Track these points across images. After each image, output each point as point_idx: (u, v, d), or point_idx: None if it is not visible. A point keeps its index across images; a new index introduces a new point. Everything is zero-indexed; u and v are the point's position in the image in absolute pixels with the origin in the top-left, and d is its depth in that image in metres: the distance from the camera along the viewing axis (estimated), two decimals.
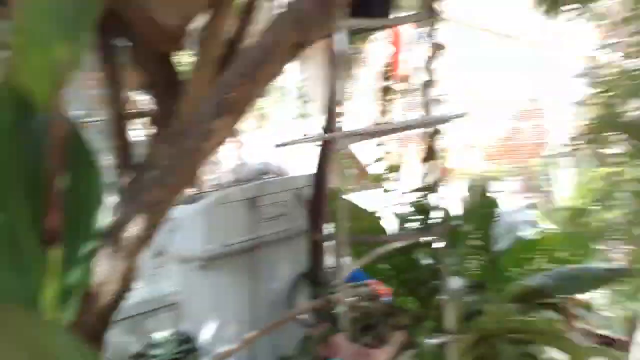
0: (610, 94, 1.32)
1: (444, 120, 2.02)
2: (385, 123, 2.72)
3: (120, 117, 1.86)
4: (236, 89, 1.28)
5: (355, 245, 2.44)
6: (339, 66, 1.99)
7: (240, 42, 1.97)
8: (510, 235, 2.33)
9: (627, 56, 1.34)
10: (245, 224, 2.85)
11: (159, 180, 1.29)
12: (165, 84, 1.86)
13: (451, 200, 2.41)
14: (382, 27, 2.58)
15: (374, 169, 2.95)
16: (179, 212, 2.28)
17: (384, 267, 2.40)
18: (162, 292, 2.90)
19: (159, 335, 2.56)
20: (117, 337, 2.45)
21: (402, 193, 2.47)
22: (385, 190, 2.56)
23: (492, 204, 2.18)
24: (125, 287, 1.30)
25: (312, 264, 2.83)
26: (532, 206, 5.26)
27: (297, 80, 3.19)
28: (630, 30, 1.23)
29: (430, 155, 2.15)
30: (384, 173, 2.75)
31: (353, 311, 2.26)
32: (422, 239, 2.24)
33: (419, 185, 2.29)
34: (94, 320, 1.21)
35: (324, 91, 2.65)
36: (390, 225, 2.49)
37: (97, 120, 2.14)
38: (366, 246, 2.32)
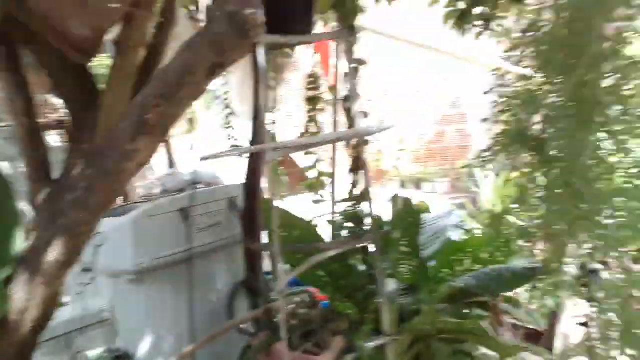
0: (515, 108, 1.38)
1: (370, 132, 2.05)
2: (312, 135, 2.71)
3: (32, 127, 1.71)
4: (155, 110, 1.22)
5: (292, 253, 2.42)
6: (262, 80, 1.97)
7: (160, 54, 1.89)
8: (440, 238, 2.40)
9: (527, 70, 1.41)
10: (178, 236, 2.77)
11: (78, 203, 1.23)
12: (80, 96, 1.74)
13: (383, 204, 2.45)
14: (302, 43, 2.58)
15: (307, 176, 2.94)
16: (106, 225, 2.18)
17: (320, 274, 2.40)
18: (93, 309, 2.75)
19: (92, 354, 2.42)
20: (46, 358, 2.29)
21: (335, 202, 2.47)
22: (316, 202, 2.55)
23: (416, 213, 2.25)
24: (47, 313, 1.21)
25: (249, 273, 2.78)
26: (460, 207, 5.49)
27: (222, 90, 3.12)
28: (529, 46, 1.30)
29: (358, 165, 2.18)
30: (317, 180, 2.75)
31: (292, 319, 2.24)
32: (357, 246, 2.26)
33: (349, 194, 2.31)
34: (15, 349, 1.12)
35: (250, 102, 2.61)
36: (325, 232, 2.49)
37: (5, 126, 1.97)
38: (302, 254, 2.31)
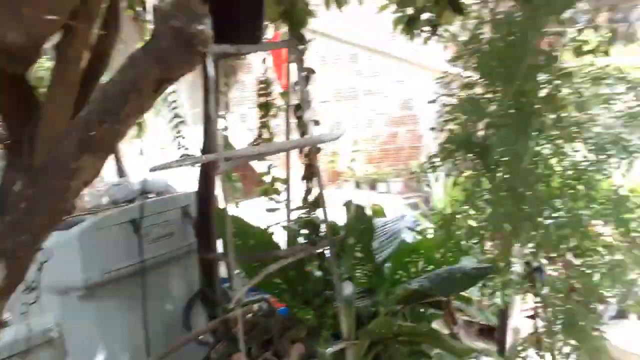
0: (460, 115, 1.46)
1: (322, 141, 2.09)
2: (265, 140, 2.72)
3: None
4: (100, 127, 1.20)
5: (248, 262, 2.43)
6: (212, 89, 1.97)
7: (104, 63, 1.85)
8: (394, 241, 2.46)
9: (470, 75, 1.49)
10: (129, 248, 2.73)
11: (18, 225, 1.19)
12: (17, 106, 1.68)
13: (339, 206, 2.49)
14: (252, 52, 2.59)
15: (262, 180, 2.94)
16: (51, 239, 2.11)
17: (277, 282, 2.41)
18: (39, 329, 2.65)
19: None
20: None
21: (290, 209, 2.50)
22: (271, 210, 2.57)
23: (369, 219, 2.30)
24: None
25: (205, 283, 2.76)
26: (413, 206, 5.64)
27: (171, 97, 3.07)
28: (471, 57, 1.37)
29: (311, 172, 2.21)
30: (271, 186, 2.76)
31: (251, 328, 2.24)
32: (313, 252, 2.29)
33: (303, 201, 2.34)
34: None
35: (202, 104, 2.59)
36: (281, 237, 2.51)
37: None
38: (259, 262, 2.32)
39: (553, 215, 1.46)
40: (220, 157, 1.94)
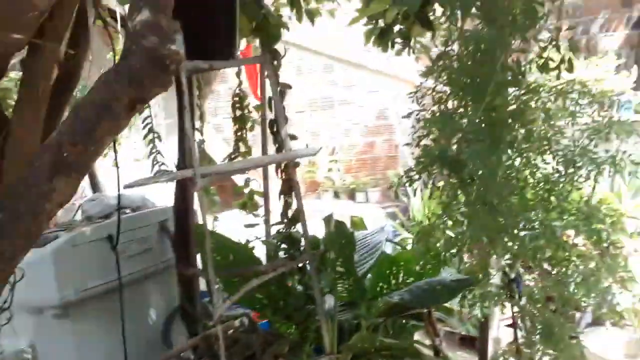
0: (433, 130, 1.50)
1: (299, 156, 2.11)
2: (242, 154, 2.72)
3: None
4: (73, 148, 1.19)
5: (228, 277, 2.42)
6: (186, 104, 1.97)
7: (74, 79, 1.85)
8: (375, 254, 2.48)
9: (442, 90, 1.53)
10: (106, 264, 2.70)
11: None
12: None
13: (319, 217, 2.50)
14: (225, 68, 2.61)
15: (239, 194, 2.94)
16: (25, 257, 2.08)
17: (258, 297, 2.41)
18: (13, 349, 2.60)
19: None
20: None
21: (270, 224, 2.50)
22: (249, 226, 2.57)
23: (350, 235, 2.33)
24: None
25: (185, 299, 2.73)
26: (392, 216, 5.69)
27: (144, 113, 3.05)
28: (441, 73, 1.42)
29: (289, 186, 2.22)
30: (249, 199, 2.76)
31: (232, 344, 2.24)
32: (294, 267, 2.30)
33: (282, 216, 2.35)
34: None
35: (175, 122, 2.59)
36: (261, 253, 2.51)
37: None
38: (239, 278, 2.32)
39: (527, 227, 1.50)
40: (197, 173, 1.94)
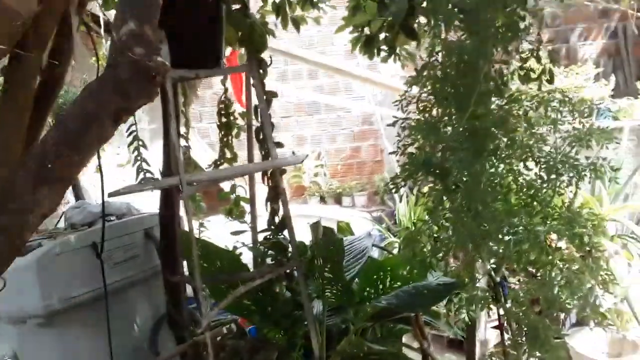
0: (418, 139, 1.53)
1: (285, 163, 2.12)
2: (228, 160, 2.73)
3: None
4: (58, 159, 1.20)
5: (215, 283, 2.43)
6: (171, 113, 1.98)
7: (57, 87, 1.84)
8: (363, 258, 2.51)
9: (427, 99, 1.57)
10: (91, 272, 2.69)
11: None
12: None
13: (306, 222, 2.52)
14: (211, 76, 2.62)
15: (225, 199, 2.94)
16: None
17: (246, 303, 2.42)
18: None
19: None
20: None
21: (257, 231, 2.51)
22: (235, 233, 2.58)
23: (339, 241, 2.35)
24: None
25: (172, 307, 2.73)
26: (378, 220, 5.73)
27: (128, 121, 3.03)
28: (426, 82, 1.45)
29: (276, 193, 2.24)
30: (235, 206, 2.77)
31: (221, 351, 2.24)
32: (281, 273, 2.31)
33: (269, 223, 2.36)
34: None
35: (160, 127, 2.59)
36: (248, 259, 2.51)
37: None
38: (226, 285, 2.32)
39: (512, 231, 1.54)
40: (183, 181, 1.95)
